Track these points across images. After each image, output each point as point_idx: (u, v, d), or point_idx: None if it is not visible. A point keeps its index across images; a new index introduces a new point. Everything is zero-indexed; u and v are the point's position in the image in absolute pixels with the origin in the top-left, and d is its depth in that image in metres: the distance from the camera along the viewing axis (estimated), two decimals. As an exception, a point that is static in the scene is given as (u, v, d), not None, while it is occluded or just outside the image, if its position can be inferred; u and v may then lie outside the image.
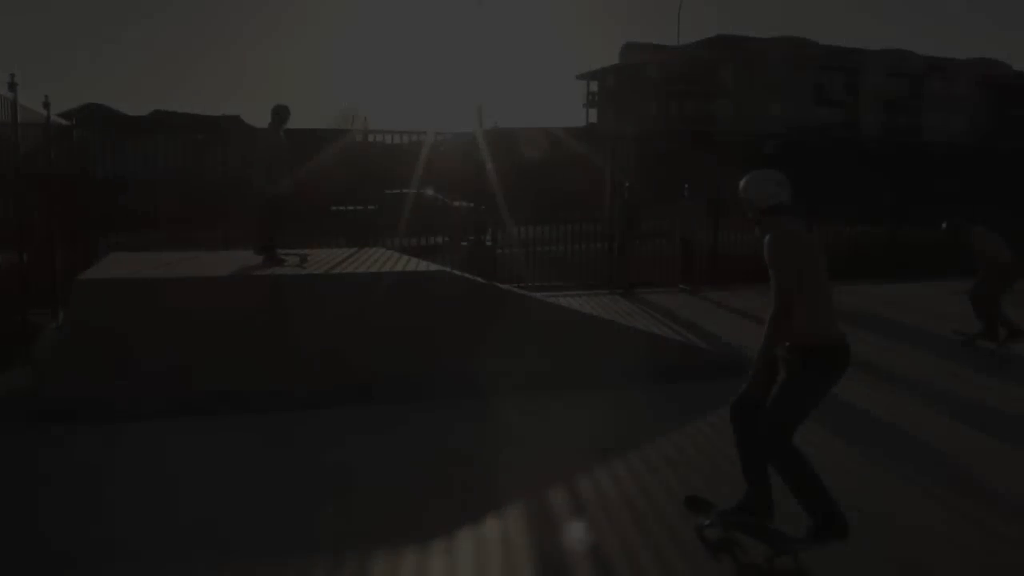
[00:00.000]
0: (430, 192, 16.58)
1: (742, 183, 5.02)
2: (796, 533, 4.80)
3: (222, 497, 5.86)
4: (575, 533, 5.27)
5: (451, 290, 9.16)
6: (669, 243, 16.79)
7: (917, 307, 14.27)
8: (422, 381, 8.38)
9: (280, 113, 10.80)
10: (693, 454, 6.77)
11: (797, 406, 4.80)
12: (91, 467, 6.49)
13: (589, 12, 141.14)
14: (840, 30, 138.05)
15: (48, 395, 7.87)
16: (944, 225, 11.02)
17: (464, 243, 15.31)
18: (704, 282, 16.62)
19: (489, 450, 6.91)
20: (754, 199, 4.97)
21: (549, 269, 15.94)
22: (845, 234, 17.48)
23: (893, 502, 5.75)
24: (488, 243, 15.15)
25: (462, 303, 9.09)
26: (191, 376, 8.02)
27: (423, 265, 10.25)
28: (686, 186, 16.33)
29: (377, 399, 8.09)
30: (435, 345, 8.77)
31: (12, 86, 9.77)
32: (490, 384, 8.19)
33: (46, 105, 11.49)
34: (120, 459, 6.70)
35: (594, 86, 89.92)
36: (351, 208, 15.17)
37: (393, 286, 9.06)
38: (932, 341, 11.35)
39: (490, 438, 7.25)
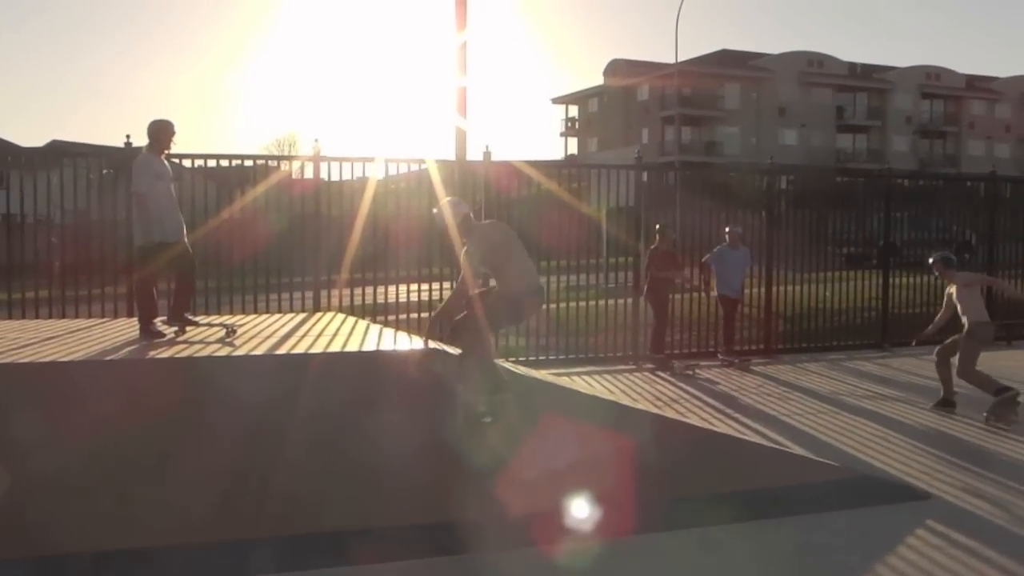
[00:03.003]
0: None
1: None
2: None
3: None
4: None
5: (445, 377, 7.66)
6: (704, 297, 15.30)
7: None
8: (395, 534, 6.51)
9: (158, 134, 9.18)
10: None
11: None
12: None
13: (568, 26, 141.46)
14: (863, 44, 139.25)
15: None
16: None
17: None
18: (752, 351, 15.57)
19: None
20: None
21: (550, 335, 14.42)
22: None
23: None
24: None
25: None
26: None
27: (407, 339, 8.67)
28: (728, 229, 14.87)
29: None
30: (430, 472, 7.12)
31: None
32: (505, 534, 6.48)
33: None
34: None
35: (573, 111, 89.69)
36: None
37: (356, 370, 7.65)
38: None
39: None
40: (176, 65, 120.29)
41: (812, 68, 79.50)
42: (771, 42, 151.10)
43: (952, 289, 10.99)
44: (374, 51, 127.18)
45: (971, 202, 18.62)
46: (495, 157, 14.42)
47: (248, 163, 14.01)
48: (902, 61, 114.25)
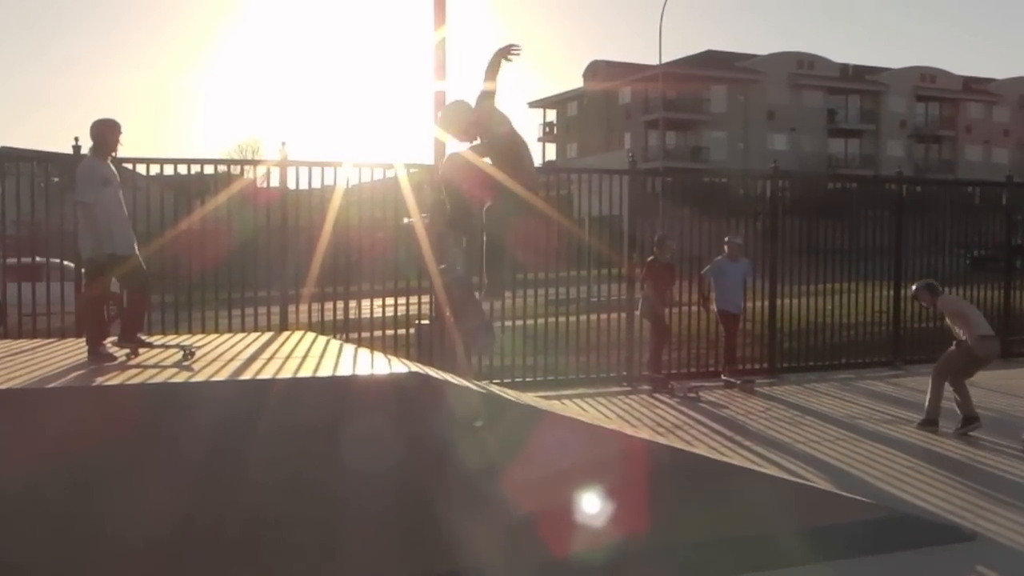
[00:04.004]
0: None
1: None
2: None
3: None
4: None
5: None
6: (701, 313, 14.90)
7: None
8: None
9: (103, 134, 8.64)
10: None
11: None
12: None
13: (545, 27, 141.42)
14: (855, 44, 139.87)
15: None
16: None
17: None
18: (755, 371, 15.26)
19: None
20: None
21: (537, 354, 14.03)
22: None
23: None
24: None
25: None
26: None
27: (386, 362, 8.34)
28: (728, 240, 14.48)
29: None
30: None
31: None
32: None
33: None
34: None
35: (551, 115, 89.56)
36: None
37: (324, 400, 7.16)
38: None
39: None
40: (131, 69, 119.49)
41: (802, 69, 79.60)
42: (759, 42, 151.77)
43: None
44: (343, 53, 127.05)
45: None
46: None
47: (209, 169, 13.47)
48: (896, 62, 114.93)
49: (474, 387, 8.42)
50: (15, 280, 13.06)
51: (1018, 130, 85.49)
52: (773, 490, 7.36)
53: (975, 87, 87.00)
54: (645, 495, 6.75)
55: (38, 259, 13.63)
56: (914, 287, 11.79)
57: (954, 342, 11.17)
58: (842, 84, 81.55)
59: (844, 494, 7.51)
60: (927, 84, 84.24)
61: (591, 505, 6.75)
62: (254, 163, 16.79)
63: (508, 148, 8.00)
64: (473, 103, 7.99)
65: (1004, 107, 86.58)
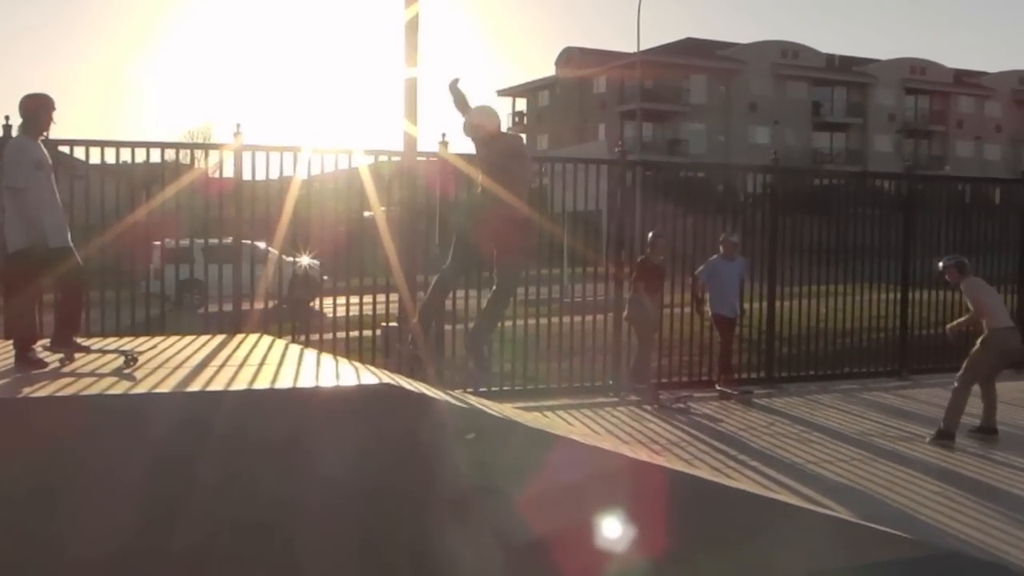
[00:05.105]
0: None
1: None
2: None
3: None
4: None
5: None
6: (695, 317, 14.49)
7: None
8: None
9: (35, 112, 8.20)
10: None
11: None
12: None
13: (516, 11, 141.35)
14: (842, 34, 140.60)
15: None
16: None
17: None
18: (752, 380, 14.93)
19: None
20: None
21: (515, 360, 13.60)
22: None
23: None
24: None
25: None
26: None
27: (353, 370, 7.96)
28: (723, 238, 14.09)
29: None
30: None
31: None
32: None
33: None
34: None
35: (522, 104, 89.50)
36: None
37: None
38: None
39: None
40: (76, 54, 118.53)
41: (786, 59, 79.77)
42: (741, 31, 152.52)
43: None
44: (306, 39, 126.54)
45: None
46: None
47: (155, 154, 12.89)
48: (884, 53, 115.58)
49: (454, 400, 8.01)
50: None
51: (1011, 126, 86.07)
52: (802, 523, 6.89)
53: (967, 80, 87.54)
54: (661, 530, 6.27)
55: None
56: (942, 262, 11.59)
57: (979, 340, 10.98)
58: (828, 75, 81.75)
59: (879, 528, 7.00)
60: (917, 76, 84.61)
61: (606, 538, 6.32)
62: (206, 147, 16.35)
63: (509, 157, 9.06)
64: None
65: (996, 101, 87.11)
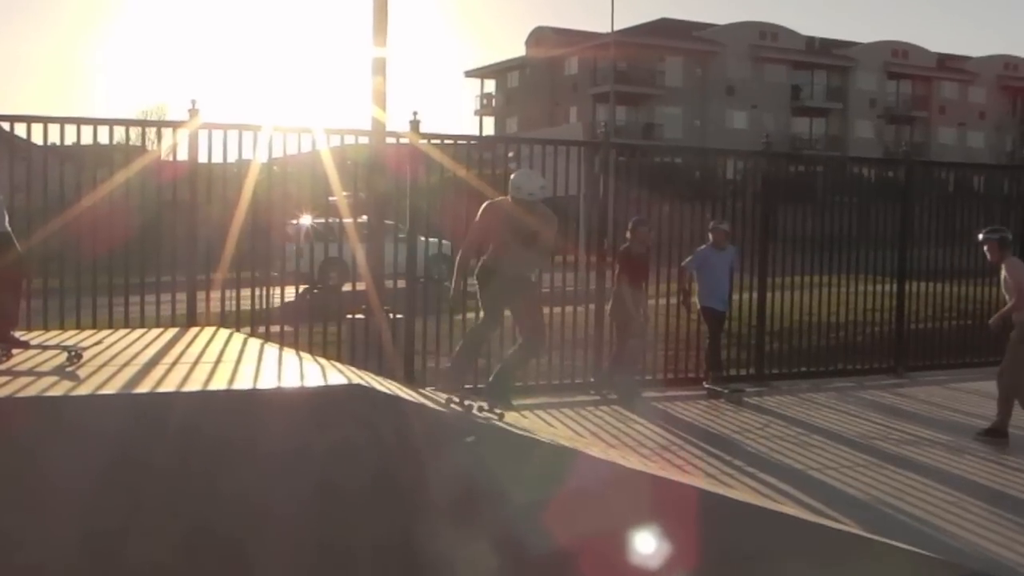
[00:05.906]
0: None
1: None
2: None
3: None
4: None
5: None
6: (680, 309, 14.18)
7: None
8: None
9: None
10: None
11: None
12: None
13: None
14: (822, 15, 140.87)
15: None
16: None
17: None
18: (741, 377, 14.65)
19: None
20: None
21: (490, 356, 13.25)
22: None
23: None
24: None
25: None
26: None
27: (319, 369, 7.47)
28: (713, 226, 13.78)
29: None
30: None
31: None
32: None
33: None
34: None
35: (490, 86, 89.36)
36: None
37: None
38: None
39: None
40: (22, 34, 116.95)
41: (764, 41, 79.79)
42: (718, 11, 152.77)
43: (1002, 273, 10.88)
44: (266, 16, 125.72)
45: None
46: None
47: (104, 132, 12.44)
48: (866, 36, 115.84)
49: (431, 402, 7.66)
50: None
51: (995, 112, 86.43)
52: (826, 542, 6.54)
53: (950, 65, 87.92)
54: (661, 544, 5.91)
55: None
56: (981, 234, 11.11)
57: (1013, 330, 10.63)
58: (808, 58, 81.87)
59: (905, 547, 6.60)
60: (899, 60, 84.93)
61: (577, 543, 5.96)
62: (159, 124, 15.95)
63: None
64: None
65: (980, 87, 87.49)
